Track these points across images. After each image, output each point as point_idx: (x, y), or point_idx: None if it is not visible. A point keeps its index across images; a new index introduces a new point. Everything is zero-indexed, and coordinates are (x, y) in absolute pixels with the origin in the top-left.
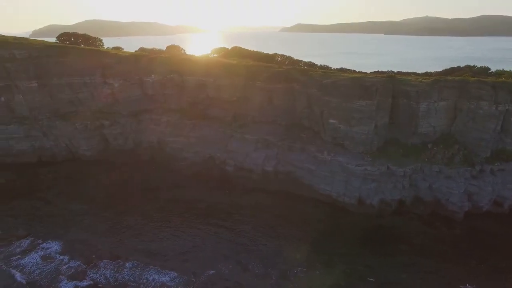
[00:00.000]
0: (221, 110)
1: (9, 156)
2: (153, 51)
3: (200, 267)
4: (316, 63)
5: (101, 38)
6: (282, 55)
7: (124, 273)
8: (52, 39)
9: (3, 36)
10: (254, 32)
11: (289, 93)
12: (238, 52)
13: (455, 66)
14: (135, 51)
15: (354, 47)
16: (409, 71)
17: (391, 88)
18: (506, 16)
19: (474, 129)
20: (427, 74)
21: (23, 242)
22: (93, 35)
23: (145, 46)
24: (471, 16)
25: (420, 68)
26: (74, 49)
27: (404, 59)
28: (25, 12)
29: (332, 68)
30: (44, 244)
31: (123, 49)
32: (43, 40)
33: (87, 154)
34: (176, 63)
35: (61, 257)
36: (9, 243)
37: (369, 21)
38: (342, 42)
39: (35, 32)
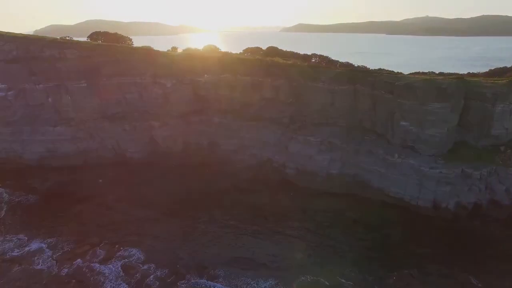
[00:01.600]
0: (276, 111)
1: (54, 159)
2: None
3: (296, 273)
4: (353, 64)
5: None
6: (320, 55)
7: (219, 284)
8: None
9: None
10: (255, 32)
11: (352, 94)
12: (274, 52)
13: (502, 67)
14: (186, 51)
15: (364, 47)
16: (435, 71)
17: (464, 90)
18: (506, 16)
19: None
20: (473, 75)
21: (98, 250)
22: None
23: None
24: (471, 16)
25: (443, 68)
26: (126, 48)
27: (419, 59)
28: (26, 12)
29: (371, 69)
30: (122, 252)
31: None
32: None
33: (135, 156)
34: (230, 63)
35: (145, 267)
36: (85, 251)
37: (370, 21)
38: (348, 42)
39: (37, 32)
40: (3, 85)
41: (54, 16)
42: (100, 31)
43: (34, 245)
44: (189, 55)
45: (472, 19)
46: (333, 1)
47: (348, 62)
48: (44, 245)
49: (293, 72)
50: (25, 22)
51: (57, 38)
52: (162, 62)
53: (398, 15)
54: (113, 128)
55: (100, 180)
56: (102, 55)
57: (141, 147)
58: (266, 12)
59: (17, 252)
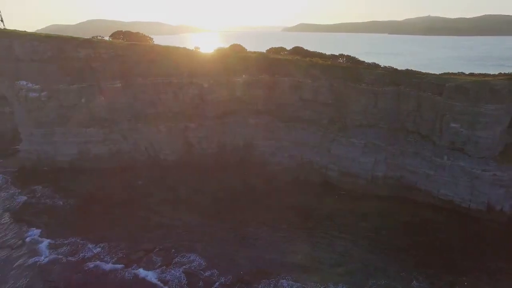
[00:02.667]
0: (314, 112)
1: (86, 161)
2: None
3: (362, 277)
4: (380, 64)
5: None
6: (348, 56)
7: None
8: None
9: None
10: (257, 32)
11: (395, 96)
12: (301, 52)
13: None
14: (221, 51)
15: (369, 47)
16: (454, 71)
17: None
18: (509, 15)
19: None
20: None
21: (154, 257)
22: (96, 35)
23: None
24: (474, 16)
25: (459, 68)
26: (161, 48)
27: (430, 59)
28: (27, 12)
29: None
30: (179, 258)
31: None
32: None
33: (169, 158)
34: (267, 63)
35: (207, 273)
36: (140, 257)
37: (372, 21)
38: (351, 42)
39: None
40: (36, 86)
41: (55, 16)
42: (121, 31)
43: (88, 250)
44: (225, 55)
45: (474, 18)
46: (334, 1)
47: (374, 63)
48: (97, 250)
49: (334, 73)
50: (26, 22)
51: (90, 38)
52: (198, 62)
53: (399, 15)
54: (147, 129)
55: (140, 182)
56: (137, 54)
57: (176, 149)
58: (267, 12)
59: (73, 257)
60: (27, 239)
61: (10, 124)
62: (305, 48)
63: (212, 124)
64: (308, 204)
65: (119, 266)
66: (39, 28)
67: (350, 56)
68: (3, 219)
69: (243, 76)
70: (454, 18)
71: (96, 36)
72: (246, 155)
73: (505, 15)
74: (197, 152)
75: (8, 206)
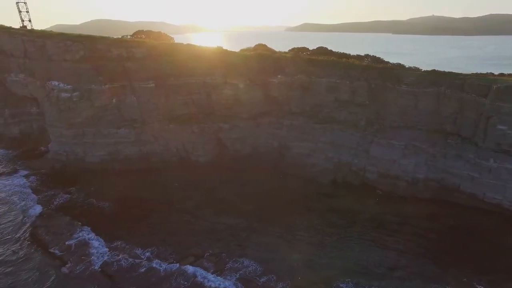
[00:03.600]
0: (349, 113)
1: (116, 162)
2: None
3: (420, 285)
4: (405, 64)
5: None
6: (373, 56)
7: None
8: None
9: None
10: (260, 32)
11: (435, 97)
12: (325, 53)
13: None
14: (256, 50)
15: (375, 47)
16: (470, 72)
17: None
18: None
19: None
20: None
21: (205, 262)
22: (101, 35)
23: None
24: (478, 16)
25: (475, 68)
26: (195, 48)
27: (441, 59)
28: (31, 12)
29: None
30: (232, 263)
31: None
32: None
33: (201, 160)
34: (303, 63)
35: (263, 279)
36: (191, 262)
37: (375, 21)
38: (356, 42)
39: None
40: (68, 86)
41: (59, 16)
42: (143, 30)
43: (136, 255)
44: (261, 55)
45: (478, 18)
46: (337, 1)
47: (399, 63)
48: (146, 255)
49: (372, 74)
50: (28, 22)
51: (122, 37)
52: (233, 62)
53: (403, 15)
54: (180, 130)
55: (176, 184)
56: (170, 54)
57: (208, 150)
58: (269, 12)
59: (125, 262)
60: (75, 242)
61: (36, 125)
62: (329, 48)
63: (246, 125)
64: (350, 206)
65: (173, 270)
66: (43, 28)
67: (375, 56)
68: (47, 221)
69: (279, 76)
70: (458, 18)
71: (126, 35)
72: (280, 157)
73: (509, 14)
74: (229, 154)
75: (45, 208)
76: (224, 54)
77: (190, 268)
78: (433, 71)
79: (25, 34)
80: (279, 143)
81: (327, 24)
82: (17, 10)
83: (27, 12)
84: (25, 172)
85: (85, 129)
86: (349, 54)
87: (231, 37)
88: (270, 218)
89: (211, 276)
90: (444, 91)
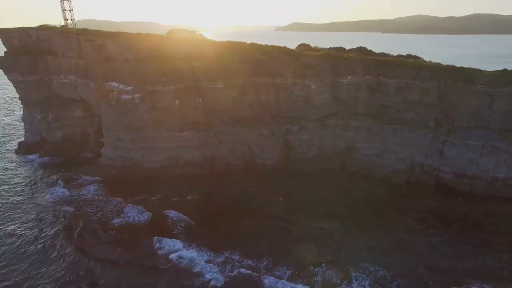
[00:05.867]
0: (416, 114)
1: (177, 167)
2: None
3: None
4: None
5: None
6: (415, 56)
7: None
8: None
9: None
10: (250, 32)
11: (510, 96)
12: (366, 52)
13: None
14: (325, 50)
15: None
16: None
17: None
18: (498, 14)
19: None
20: None
21: (327, 271)
22: None
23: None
24: (463, 15)
25: (485, 66)
26: (265, 47)
27: (445, 57)
28: (14, 12)
29: None
30: (353, 271)
31: None
32: None
33: (267, 163)
34: (372, 64)
35: (393, 285)
36: (312, 274)
37: (364, 20)
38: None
39: None
40: (129, 88)
41: (44, 16)
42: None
43: (241, 265)
44: (329, 55)
45: (464, 17)
46: (326, 0)
47: (439, 63)
48: (254, 264)
49: (442, 74)
50: (17, 21)
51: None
52: (303, 62)
53: (390, 14)
54: (247, 132)
55: (252, 188)
56: (239, 54)
57: (275, 153)
58: (259, 12)
59: (234, 273)
60: (173, 254)
61: (79, 129)
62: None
63: (314, 126)
64: (437, 207)
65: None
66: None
67: (417, 56)
68: (133, 233)
69: (349, 77)
70: (444, 17)
71: None
72: (347, 158)
73: (494, 14)
74: (296, 156)
75: (126, 220)
76: (295, 54)
77: (319, 278)
78: (508, 70)
79: (81, 34)
80: (346, 145)
81: (316, 24)
82: (60, 9)
83: (71, 11)
84: (87, 179)
85: (145, 133)
86: (389, 54)
87: (221, 38)
88: (365, 220)
89: (345, 285)
90: None
